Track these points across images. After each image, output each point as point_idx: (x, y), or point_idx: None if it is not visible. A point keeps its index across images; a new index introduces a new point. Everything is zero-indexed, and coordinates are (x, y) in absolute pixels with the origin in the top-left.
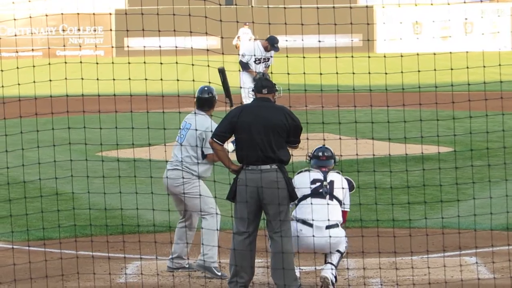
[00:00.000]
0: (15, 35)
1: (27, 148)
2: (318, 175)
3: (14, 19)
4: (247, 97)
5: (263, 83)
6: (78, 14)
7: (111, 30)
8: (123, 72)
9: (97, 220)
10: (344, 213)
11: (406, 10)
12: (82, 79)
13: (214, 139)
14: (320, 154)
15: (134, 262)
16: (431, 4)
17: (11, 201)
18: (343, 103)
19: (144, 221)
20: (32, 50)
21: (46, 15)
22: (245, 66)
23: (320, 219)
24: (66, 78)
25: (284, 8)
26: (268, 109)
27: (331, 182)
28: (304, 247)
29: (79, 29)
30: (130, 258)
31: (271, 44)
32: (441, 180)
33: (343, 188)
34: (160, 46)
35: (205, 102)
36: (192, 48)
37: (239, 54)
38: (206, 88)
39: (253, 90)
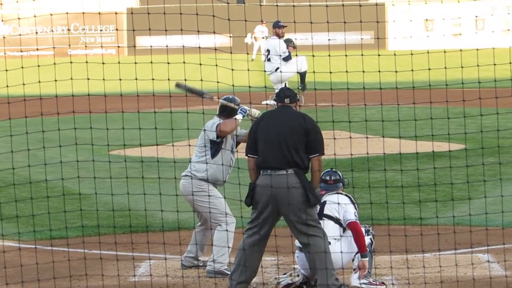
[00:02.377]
0: (19, 35)
1: (35, 148)
2: None
3: (19, 18)
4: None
5: (285, 93)
6: (83, 13)
7: (117, 29)
8: (134, 71)
9: (109, 219)
10: (350, 224)
11: (418, 7)
12: (88, 79)
13: (248, 155)
14: (328, 178)
15: (143, 261)
16: (441, 2)
17: (22, 201)
18: (355, 101)
19: (157, 219)
20: (37, 49)
21: (51, 14)
22: (288, 58)
23: None
24: (71, 78)
25: (293, 6)
26: (288, 114)
27: (323, 203)
28: (305, 271)
29: (84, 29)
30: (140, 258)
31: (274, 26)
32: (453, 178)
33: (339, 203)
34: (167, 46)
35: (224, 109)
36: (199, 47)
37: (248, 53)
38: (230, 97)
39: (275, 100)
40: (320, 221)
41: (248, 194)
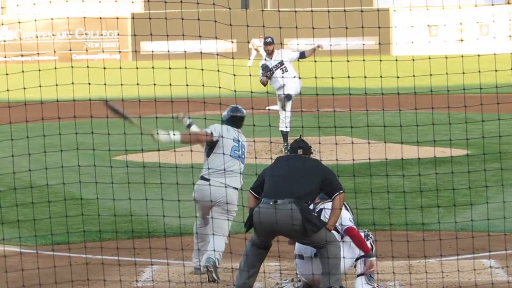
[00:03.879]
0: (20, 39)
1: (36, 153)
2: None
3: (19, 22)
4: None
5: (299, 144)
6: (84, 18)
7: (119, 35)
8: (141, 76)
9: (111, 224)
10: (347, 230)
11: (422, 13)
12: (89, 84)
13: (250, 190)
14: None
15: (146, 267)
16: (443, 8)
17: (24, 205)
18: (358, 106)
19: (159, 225)
20: (38, 54)
21: (52, 19)
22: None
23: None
24: (72, 83)
25: (295, 12)
26: (301, 157)
27: (320, 211)
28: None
29: (87, 33)
30: (142, 263)
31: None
32: (456, 183)
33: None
34: (168, 51)
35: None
36: (201, 53)
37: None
38: (238, 107)
39: (288, 150)
40: None
41: (247, 219)
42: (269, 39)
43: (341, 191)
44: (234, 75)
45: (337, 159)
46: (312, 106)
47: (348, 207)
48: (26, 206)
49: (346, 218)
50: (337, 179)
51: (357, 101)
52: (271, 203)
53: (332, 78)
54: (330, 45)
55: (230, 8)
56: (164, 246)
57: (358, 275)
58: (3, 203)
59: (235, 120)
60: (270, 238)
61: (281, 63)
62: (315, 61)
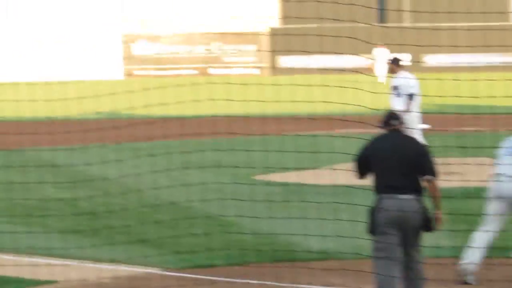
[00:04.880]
0: (156, 53)
1: (160, 172)
2: None
3: (159, 39)
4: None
5: (391, 115)
6: (217, 33)
7: (254, 55)
8: (279, 92)
9: (259, 247)
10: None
11: None
12: (230, 101)
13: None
14: None
15: None
16: None
17: (162, 223)
18: (504, 125)
19: (302, 248)
20: (166, 69)
21: (169, 33)
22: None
23: None
24: (213, 99)
25: (431, 28)
26: (400, 138)
27: None
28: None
29: (223, 49)
30: None
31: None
32: None
33: None
34: (304, 67)
35: None
36: (337, 69)
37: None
38: None
39: (381, 126)
40: None
41: (370, 218)
42: (391, 58)
43: (433, 176)
44: (373, 92)
45: (480, 181)
46: (452, 124)
47: None
48: (167, 226)
49: None
50: (434, 160)
51: (501, 120)
52: (393, 195)
53: (474, 105)
54: (471, 66)
55: (370, 24)
56: (308, 270)
57: None
58: (145, 221)
59: None
60: (395, 239)
61: (395, 87)
62: (457, 79)
